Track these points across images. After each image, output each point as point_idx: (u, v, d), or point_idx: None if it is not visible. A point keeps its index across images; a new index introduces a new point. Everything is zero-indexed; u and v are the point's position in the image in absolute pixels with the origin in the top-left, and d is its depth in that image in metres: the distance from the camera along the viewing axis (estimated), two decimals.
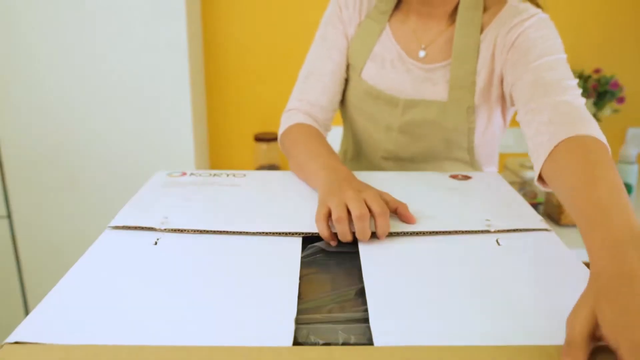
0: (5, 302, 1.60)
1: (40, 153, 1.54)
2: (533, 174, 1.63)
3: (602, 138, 0.59)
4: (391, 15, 0.86)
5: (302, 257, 0.54)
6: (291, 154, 0.81)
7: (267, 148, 1.75)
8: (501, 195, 0.71)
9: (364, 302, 0.46)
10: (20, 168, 1.54)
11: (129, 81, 1.50)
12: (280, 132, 0.87)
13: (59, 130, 1.53)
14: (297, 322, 0.43)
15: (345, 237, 0.56)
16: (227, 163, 1.87)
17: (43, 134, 1.53)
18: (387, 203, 0.59)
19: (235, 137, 1.84)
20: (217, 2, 1.71)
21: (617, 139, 1.88)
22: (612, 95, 1.68)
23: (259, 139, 1.75)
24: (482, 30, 0.80)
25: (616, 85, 1.67)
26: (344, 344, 0.41)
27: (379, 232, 0.56)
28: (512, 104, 0.81)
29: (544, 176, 0.62)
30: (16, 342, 0.39)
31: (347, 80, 0.90)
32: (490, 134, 0.86)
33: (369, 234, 0.56)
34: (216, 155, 1.87)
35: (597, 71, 1.72)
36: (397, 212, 0.61)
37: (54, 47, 1.47)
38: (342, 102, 0.92)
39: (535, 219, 0.62)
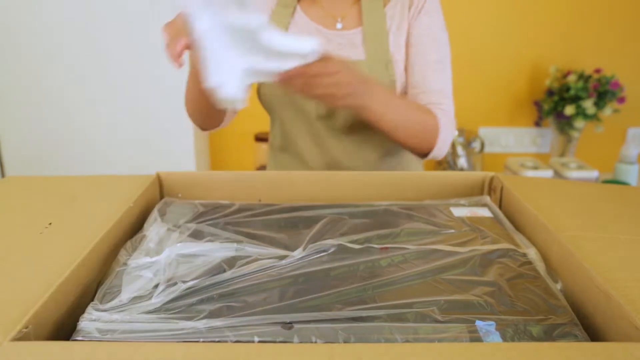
0: None
1: (40, 153, 1.54)
2: (533, 174, 1.63)
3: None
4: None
5: (302, 257, 0.54)
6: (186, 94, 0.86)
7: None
8: None
9: (364, 302, 0.46)
10: (20, 168, 1.54)
11: (129, 81, 1.50)
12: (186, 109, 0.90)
13: (59, 130, 1.53)
14: (297, 321, 0.43)
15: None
16: (227, 163, 1.87)
17: (43, 134, 1.53)
18: None
19: (235, 137, 1.84)
20: None
21: (617, 138, 1.88)
22: (612, 95, 1.68)
23: (259, 139, 1.75)
24: (385, 4, 0.91)
25: (617, 85, 1.67)
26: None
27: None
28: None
29: None
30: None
31: None
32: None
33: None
34: (216, 155, 1.87)
35: (597, 71, 1.72)
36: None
37: (54, 47, 1.47)
38: (261, 90, 0.95)
39: None
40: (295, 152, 0.97)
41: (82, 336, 0.42)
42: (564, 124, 1.78)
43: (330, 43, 0.90)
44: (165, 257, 0.53)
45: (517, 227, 0.64)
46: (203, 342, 0.41)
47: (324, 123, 0.90)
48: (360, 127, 0.90)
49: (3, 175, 1.55)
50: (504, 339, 0.42)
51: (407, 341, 0.41)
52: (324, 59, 0.65)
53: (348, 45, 0.90)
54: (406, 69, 0.90)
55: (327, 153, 0.92)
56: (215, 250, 0.55)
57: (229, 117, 0.94)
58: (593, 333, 0.45)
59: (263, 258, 0.54)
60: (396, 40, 0.89)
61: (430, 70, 0.88)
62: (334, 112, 0.89)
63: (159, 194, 0.75)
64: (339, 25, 0.91)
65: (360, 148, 0.92)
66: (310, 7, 0.93)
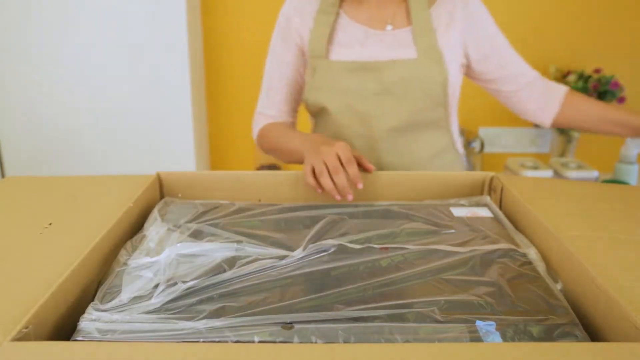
0: None
1: (40, 153, 1.54)
2: (533, 174, 1.63)
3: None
4: (342, 4, 0.94)
5: (302, 257, 0.54)
6: (268, 140, 0.97)
7: None
8: None
9: (364, 302, 0.46)
10: (20, 168, 1.54)
11: (129, 81, 1.50)
12: (254, 134, 1.01)
13: (59, 130, 1.53)
14: (298, 321, 0.43)
15: (329, 187, 0.69)
16: (227, 163, 1.87)
17: (43, 133, 1.53)
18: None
19: (235, 137, 1.84)
20: (217, 2, 1.71)
21: (617, 139, 1.87)
22: (612, 95, 1.68)
23: None
24: (430, 5, 0.93)
25: (616, 85, 1.67)
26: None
27: (351, 177, 0.70)
28: (471, 67, 0.97)
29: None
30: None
31: (312, 72, 0.94)
32: (457, 86, 0.97)
33: (345, 182, 0.69)
34: (216, 155, 1.87)
35: (597, 71, 1.72)
36: (358, 162, 0.74)
37: (54, 47, 1.47)
38: (309, 99, 0.94)
39: None
40: None
41: (82, 336, 0.42)
42: None
43: (382, 43, 0.91)
44: (165, 257, 0.54)
45: (517, 227, 0.64)
46: (203, 342, 0.41)
47: (378, 124, 0.91)
48: (412, 128, 0.92)
49: (3, 175, 1.55)
50: (504, 339, 0.42)
51: (408, 341, 0.41)
52: None
53: (400, 44, 0.91)
54: (487, 71, 0.96)
55: (379, 154, 0.92)
56: (215, 250, 0.55)
57: None
58: (593, 333, 0.45)
59: (263, 258, 0.54)
60: (444, 39, 0.91)
61: (522, 62, 0.98)
62: (387, 113, 0.90)
63: (159, 194, 0.75)
64: (389, 27, 0.92)
65: (411, 148, 0.93)
66: (356, 11, 0.94)
